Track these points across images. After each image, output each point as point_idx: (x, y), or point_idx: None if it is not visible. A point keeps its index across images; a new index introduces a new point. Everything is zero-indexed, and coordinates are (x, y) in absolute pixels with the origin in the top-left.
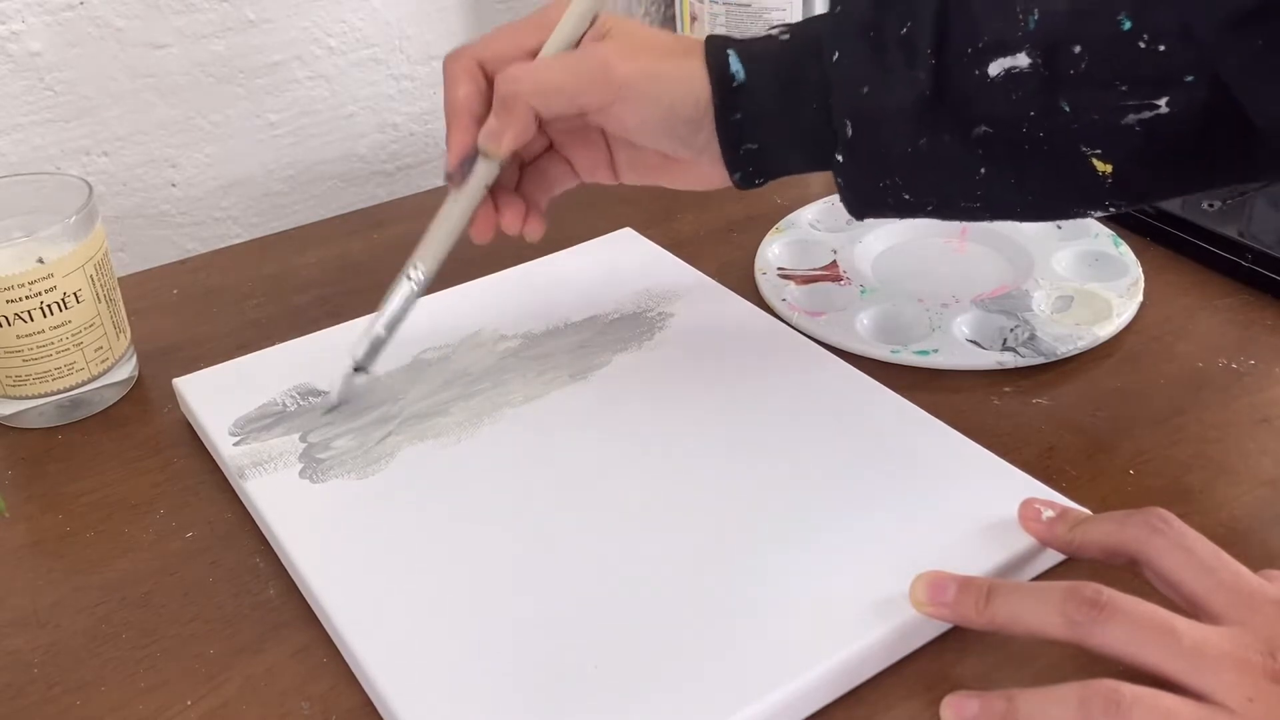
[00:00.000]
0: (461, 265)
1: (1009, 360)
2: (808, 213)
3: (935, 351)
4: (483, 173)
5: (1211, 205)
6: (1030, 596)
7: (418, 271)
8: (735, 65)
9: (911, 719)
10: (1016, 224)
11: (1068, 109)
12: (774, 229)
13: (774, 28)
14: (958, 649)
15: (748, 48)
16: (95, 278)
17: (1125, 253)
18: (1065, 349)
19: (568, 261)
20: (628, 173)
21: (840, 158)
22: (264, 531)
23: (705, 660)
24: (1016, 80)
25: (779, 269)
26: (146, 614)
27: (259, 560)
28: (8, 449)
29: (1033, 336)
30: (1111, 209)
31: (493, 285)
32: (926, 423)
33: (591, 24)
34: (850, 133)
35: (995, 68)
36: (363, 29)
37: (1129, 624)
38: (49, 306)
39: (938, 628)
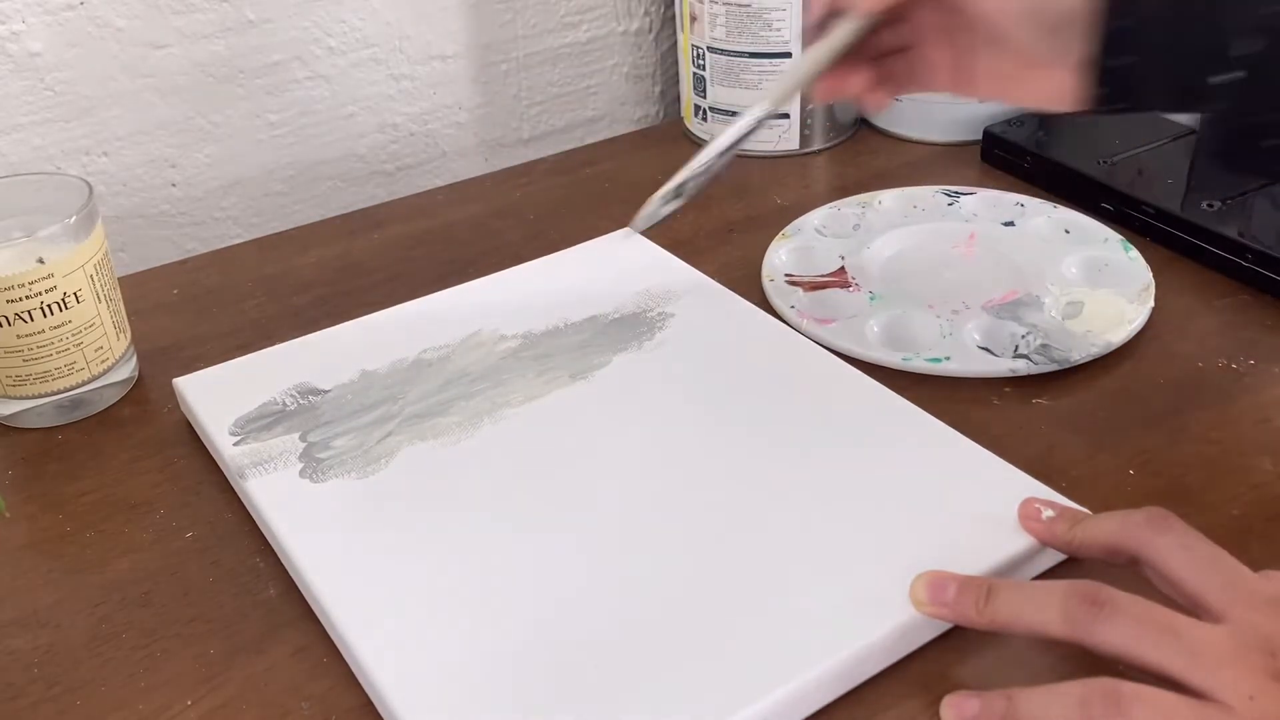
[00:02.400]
0: (461, 265)
1: (1022, 368)
2: (814, 218)
3: (947, 359)
4: (842, 33)
5: (1211, 205)
6: (1031, 595)
7: (758, 107)
8: None
9: (911, 719)
10: (1024, 230)
11: None
12: (780, 235)
13: None
14: (958, 649)
15: None
16: (95, 278)
17: (1136, 258)
18: (1078, 356)
19: (568, 261)
20: (976, 78)
21: (1229, 80)
22: (264, 531)
23: (705, 660)
24: None
25: (786, 275)
26: (146, 614)
27: (259, 560)
28: (8, 449)
29: (1045, 344)
30: None
31: (493, 285)
32: (926, 422)
33: None
34: (1255, 49)
35: None
36: (363, 29)
37: (1129, 622)
38: (49, 306)
39: (938, 628)
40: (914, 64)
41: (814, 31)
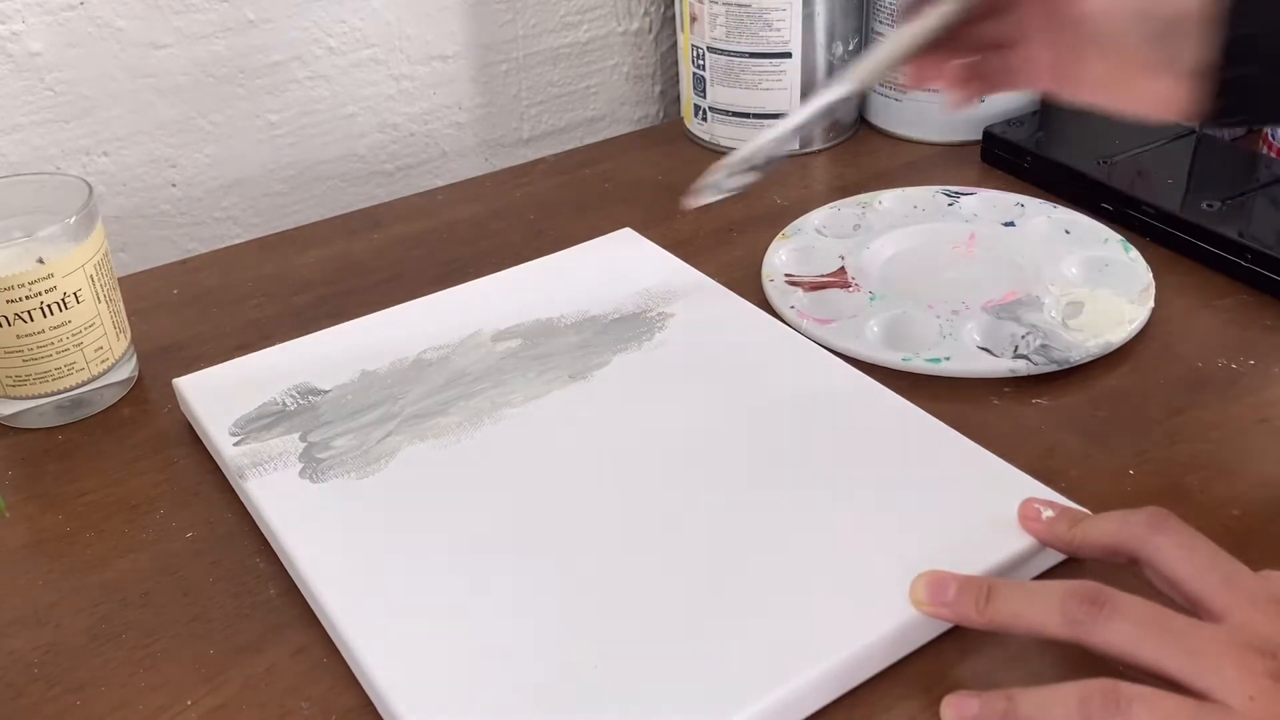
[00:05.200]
0: (461, 265)
1: (1022, 368)
2: (814, 218)
3: (947, 359)
4: (938, 12)
5: (1211, 205)
6: (1030, 595)
7: (844, 82)
8: None
9: (911, 719)
10: (1025, 230)
11: None
12: (780, 235)
13: None
14: (958, 649)
15: None
16: (95, 278)
17: (1136, 258)
18: (1078, 356)
19: (568, 261)
20: (1078, 81)
21: None
22: (264, 531)
23: (705, 660)
24: None
25: (786, 275)
26: (146, 614)
27: (259, 560)
28: (8, 449)
29: (1045, 344)
30: None
31: (493, 285)
32: (926, 422)
33: None
34: None
35: None
36: (363, 29)
37: (1129, 623)
38: (49, 306)
39: (938, 628)
40: (1012, 62)
41: (908, 11)
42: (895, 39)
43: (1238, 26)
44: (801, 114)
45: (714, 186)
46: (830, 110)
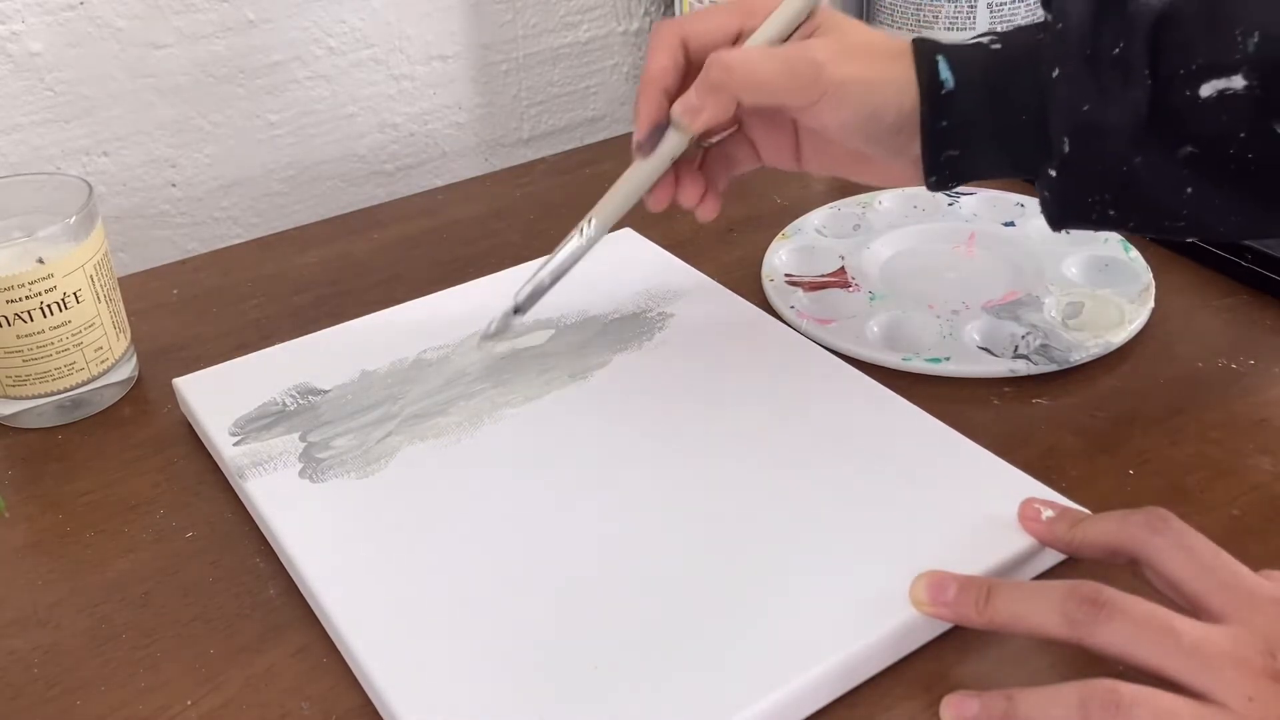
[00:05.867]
0: (461, 265)
1: (1022, 368)
2: (814, 218)
3: (947, 359)
4: (671, 144)
5: None
6: (1030, 596)
7: (590, 227)
8: (945, 73)
9: (911, 719)
10: (1025, 230)
11: None
12: (780, 235)
13: (982, 35)
14: (958, 649)
15: (957, 54)
16: (95, 278)
17: (1135, 258)
18: (1078, 357)
19: None
20: (812, 162)
21: (1053, 172)
22: (264, 531)
23: (705, 660)
24: (1229, 102)
25: (786, 275)
26: (146, 614)
27: (259, 560)
28: (8, 449)
29: (1045, 344)
30: None
31: (493, 285)
32: (926, 422)
33: (807, 19)
34: (1068, 149)
35: (1208, 89)
36: (363, 29)
37: (1129, 623)
38: (49, 306)
39: (938, 628)
40: (746, 147)
41: (648, 145)
42: (633, 176)
43: (938, 120)
44: (557, 262)
45: (499, 329)
46: (578, 257)
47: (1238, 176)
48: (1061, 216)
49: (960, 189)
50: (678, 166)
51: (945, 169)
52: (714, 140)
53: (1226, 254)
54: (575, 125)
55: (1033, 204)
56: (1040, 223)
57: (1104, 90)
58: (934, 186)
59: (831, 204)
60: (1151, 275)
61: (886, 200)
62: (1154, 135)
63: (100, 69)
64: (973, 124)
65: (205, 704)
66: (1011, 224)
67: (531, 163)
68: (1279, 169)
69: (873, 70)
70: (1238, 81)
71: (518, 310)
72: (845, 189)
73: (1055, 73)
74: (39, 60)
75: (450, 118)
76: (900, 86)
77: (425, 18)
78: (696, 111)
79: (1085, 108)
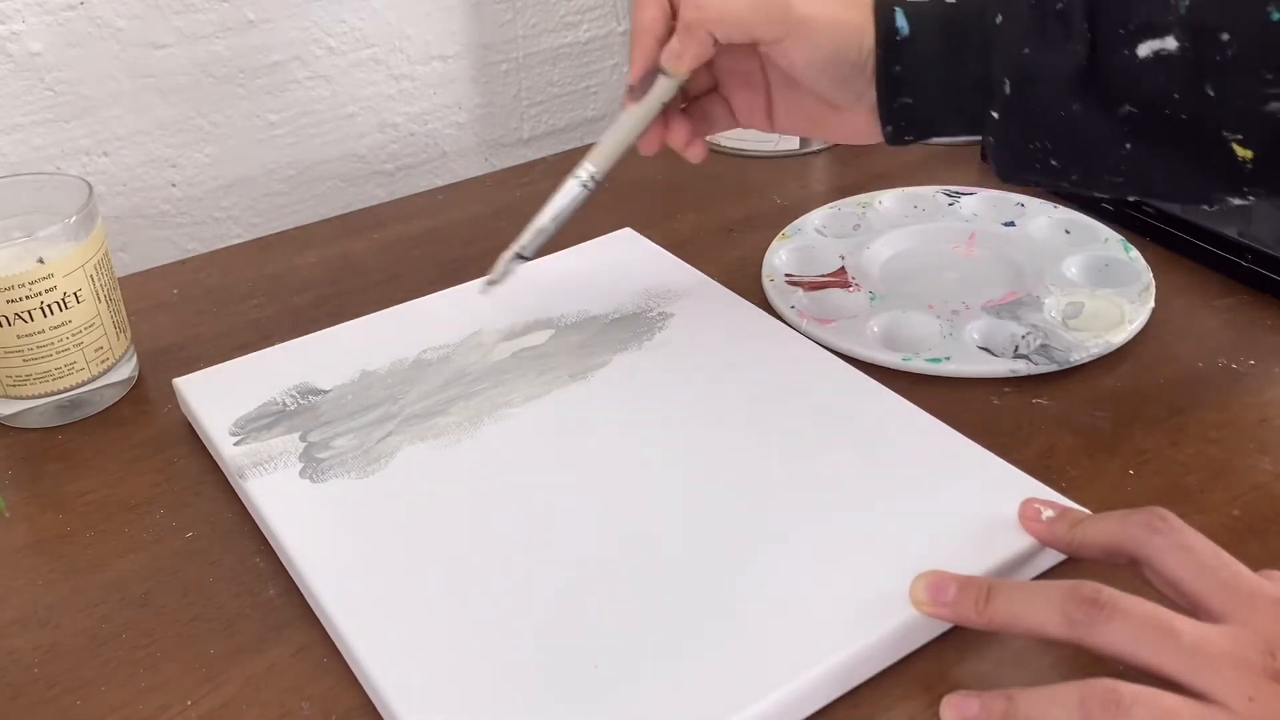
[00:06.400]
0: (461, 265)
1: (1022, 368)
2: (814, 218)
3: (947, 359)
4: (661, 89)
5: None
6: (1030, 596)
7: (587, 171)
8: (901, 21)
9: (911, 719)
10: (1025, 230)
11: (1211, 94)
12: (780, 235)
13: None
14: (958, 649)
15: (915, 6)
16: (95, 278)
17: (1136, 258)
18: (1078, 357)
19: (568, 261)
20: (784, 119)
21: (995, 114)
22: (264, 531)
23: (705, 660)
24: (1164, 63)
25: (786, 275)
26: (146, 614)
27: (259, 560)
28: (8, 449)
29: (1045, 344)
30: (1251, 196)
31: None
32: (926, 422)
33: None
34: (1008, 90)
35: (1144, 49)
36: (363, 29)
37: (1129, 623)
38: (49, 306)
39: (938, 628)
40: (721, 106)
41: (639, 89)
42: (630, 118)
43: (892, 65)
44: (555, 206)
45: (502, 273)
46: (580, 202)
47: (1173, 136)
48: (1007, 162)
49: (960, 188)
50: (666, 114)
51: (900, 118)
52: (692, 100)
53: (1226, 254)
54: (575, 125)
55: (1033, 204)
56: (1041, 222)
57: (1045, 36)
58: (890, 138)
59: (831, 204)
60: (1151, 275)
61: (886, 200)
62: (1094, 91)
63: (100, 69)
64: (925, 72)
65: (205, 704)
66: (1011, 224)
67: (531, 163)
68: (1211, 130)
69: (837, 10)
70: (1171, 42)
71: (521, 256)
72: (845, 189)
73: (999, 18)
74: (39, 60)
75: (450, 118)
76: (861, 27)
77: (425, 18)
78: (680, 54)
79: (1025, 50)
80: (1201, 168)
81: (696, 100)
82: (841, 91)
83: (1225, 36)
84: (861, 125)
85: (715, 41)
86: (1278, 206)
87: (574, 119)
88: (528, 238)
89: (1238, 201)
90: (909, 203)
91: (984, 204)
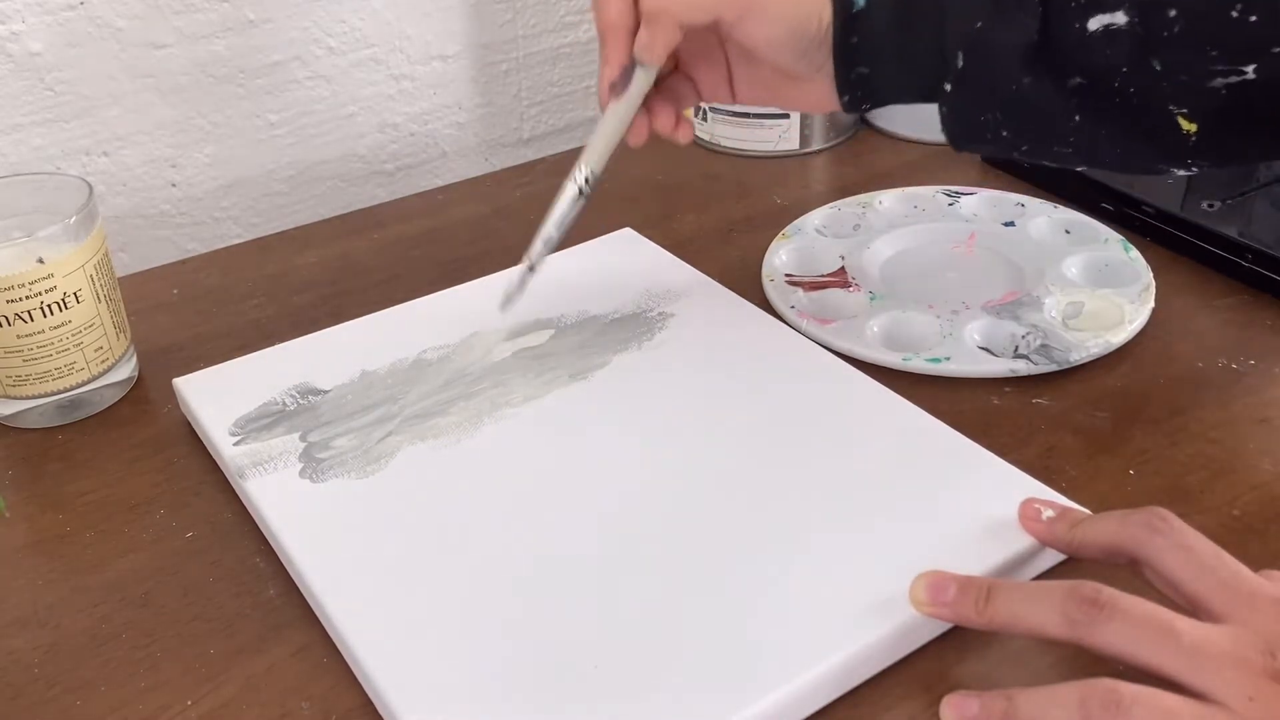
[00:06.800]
0: (461, 265)
1: (1022, 368)
2: (814, 218)
3: (947, 359)
4: (640, 81)
5: (1211, 205)
6: (1030, 596)
7: (582, 174)
8: None
9: (911, 719)
10: (1025, 230)
11: (1158, 68)
12: (780, 235)
13: None
14: (958, 649)
15: None
16: (95, 278)
17: (1136, 258)
18: (1078, 356)
19: (567, 262)
20: (745, 91)
21: (948, 87)
22: (264, 531)
23: (705, 660)
24: (1113, 36)
25: (786, 275)
26: (146, 614)
27: (259, 560)
28: (8, 449)
29: (1045, 344)
30: (1195, 168)
31: (493, 285)
32: (926, 422)
33: None
34: (961, 63)
35: (1094, 23)
36: (363, 29)
37: (1129, 623)
38: (49, 306)
39: (938, 628)
40: (686, 84)
41: (620, 84)
42: (614, 120)
43: (849, 36)
44: (558, 213)
45: (515, 291)
46: (580, 206)
47: (1121, 109)
48: (959, 133)
49: (960, 188)
50: (647, 102)
51: (857, 88)
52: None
53: (1226, 254)
54: (575, 125)
55: (1033, 204)
56: (1041, 222)
57: (998, 10)
58: (847, 107)
59: (831, 204)
60: (1151, 275)
61: (886, 200)
62: (1045, 63)
63: (100, 69)
64: (881, 42)
65: (205, 704)
66: (1011, 224)
67: (531, 163)
68: (1157, 103)
69: None
70: (1120, 17)
71: (532, 268)
72: (845, 189)
73: None
74: (39, 60)
75: (450, 118)
76: (818, 2)
77: (425, 18)
78: (651, 44)
79: (978, 24)
80: (1147, 140)
81: (662, 82)
82: (801, 64)
83: (1173, 13)
84: (820, 95)
85: (680, 26)
86: (1276, 206)
87: (574, 119)
88: (537, 250)
89: (1181, 173)
90: (909, 203)
91: (984, 204)
